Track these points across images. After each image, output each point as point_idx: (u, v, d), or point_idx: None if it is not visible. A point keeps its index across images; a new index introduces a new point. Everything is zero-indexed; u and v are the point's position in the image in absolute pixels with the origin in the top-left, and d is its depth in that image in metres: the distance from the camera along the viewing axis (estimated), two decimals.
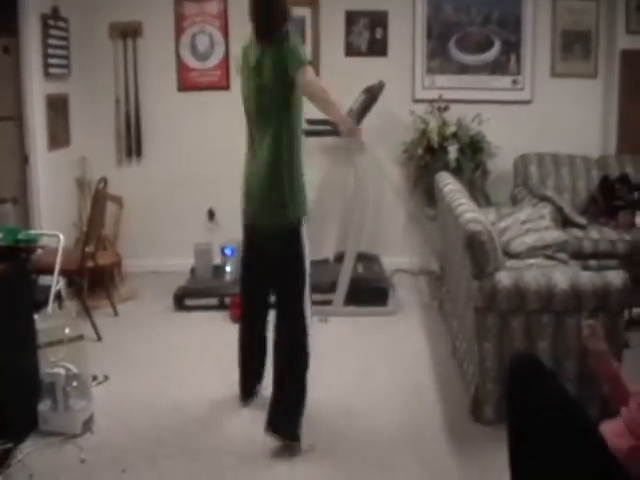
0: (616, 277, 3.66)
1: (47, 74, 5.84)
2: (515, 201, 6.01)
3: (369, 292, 5.58)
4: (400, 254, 6.54)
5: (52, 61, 5.91)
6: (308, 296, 3.63)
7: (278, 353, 3.69)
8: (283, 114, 3.49)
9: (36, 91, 5.67)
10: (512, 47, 6.45)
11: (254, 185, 3.63)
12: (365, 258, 6.08)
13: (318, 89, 3.53)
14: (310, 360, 3.64)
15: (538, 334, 3.67)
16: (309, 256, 3.62)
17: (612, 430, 2.59)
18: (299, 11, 6.28)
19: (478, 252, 3.69)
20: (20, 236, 3.92)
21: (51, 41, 5.88)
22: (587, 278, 3.67)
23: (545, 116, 6.44)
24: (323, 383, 4.22)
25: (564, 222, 5.50)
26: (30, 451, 3.54)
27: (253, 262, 3.83)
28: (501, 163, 6.27)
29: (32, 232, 4.52)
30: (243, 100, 3.67)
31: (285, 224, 3.56)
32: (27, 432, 3.70)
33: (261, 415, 3.70)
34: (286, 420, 3.60)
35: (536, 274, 3.72)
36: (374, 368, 4.56)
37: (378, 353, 4.80)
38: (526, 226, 4.93)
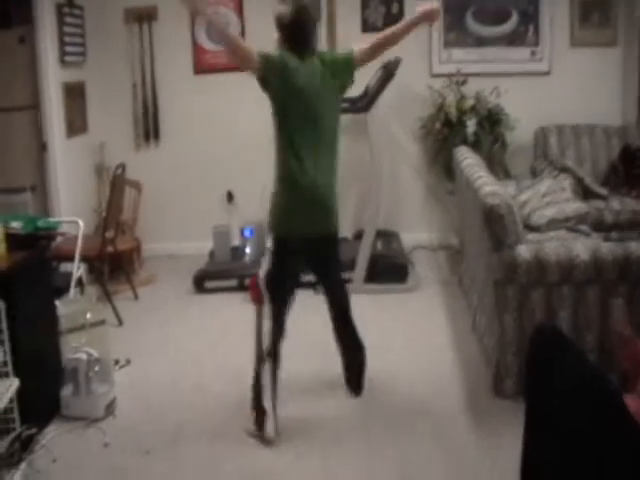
0: (637, 247, 3.61)
1: (63, 62, 5.87)
2: (535, 173, 5.94)
3: (388, 269, 5.56)
4: (419, 230, 6.51)
5: (68, 49, 5.94)
6: None
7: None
8: (338, 118, 3.65)
9: (53, 79, 5.71)
10: (530, 18, 6.34)
11: (319, 194, 3.55)
12: (384, 235, 6.06)
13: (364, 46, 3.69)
14: None
15: (559, 305, 3.64)
16: None
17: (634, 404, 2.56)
18: None
19: (497, 225, 3.66)
20: (39, 224, 3.95)
21: (67, 29, 5.90)
22: (608, 249, 3.63)
23: (564, 86, 6.35)
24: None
25: (585, 193, 5.44)
26: (53, 436, 3.58)
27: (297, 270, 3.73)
28: (520, 135, 6.18)
29: (51, 220, 4.54)
30: (290, 108, 3.51)
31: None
32: (50, 417, 3.74)
33: (282, 396, 3.72)
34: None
35: (556, 246, 3.68)
36: (394, 344, 4.56)
37: (398, 329, 4.81)
38: (546, 199, 4.89)
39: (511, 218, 3.68)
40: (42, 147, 5.69)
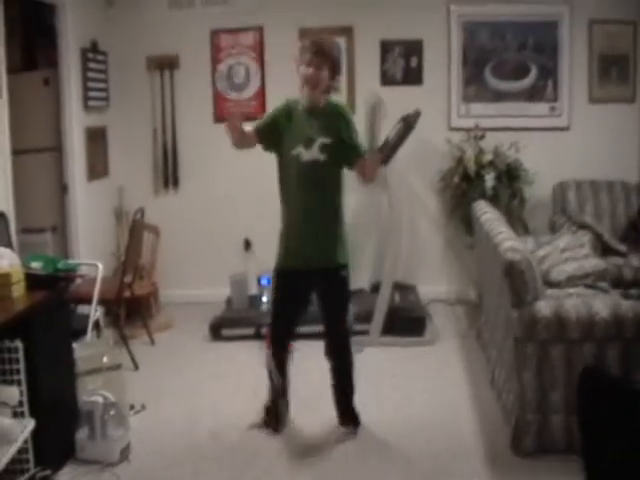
0: None
1: (87, 107, 5.94)
2: (554, 228, 5.94)
3: (406, 322, 5.52)
4: (437, 283, 6.47)
5: (91, 94, 6.02)
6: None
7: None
8: None
9: (76, 123, 5.78)
10: (549, 73, 6.39)
11: None
12: (401, 288, 6.02)
13: None
14: None
15: (579, 363, 3.57)
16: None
17: None
18: None
19: (517, 281, 3.65)
20: (60, 265, 3.97)
21: (90, 74, 5.99)
22: (628, 306, 3.61)
23: (583, 142, 6.37)
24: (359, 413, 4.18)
25: (604, 249, 5.40)
26: (67, 479, 3.55)
27: None
28: (539, 190, 6.18)
29: (71, 261, 4.56)
30: None
31: None
32: (65, 460, 3.72)
33: (297, 444, 3.77)
34: None
35: (576, 303, 3.66)
36: (411, 398, 4.50)
37: (415, 383, 4.74)
38: (565, 254, 4.87)
39: (531, 274, 3.68)
40: (63, 189, 5.74)
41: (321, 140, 3.74)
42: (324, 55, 3.71)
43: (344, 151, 3.82)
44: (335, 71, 3.79)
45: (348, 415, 4.07)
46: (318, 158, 3.74)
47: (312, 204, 3.81)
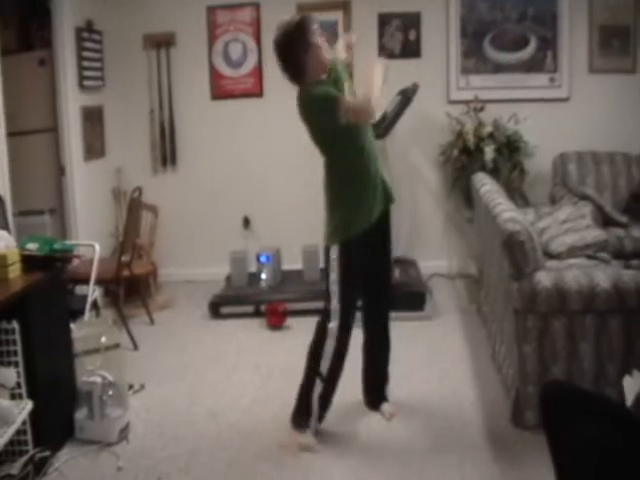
0: None
1: (82, 86, 5.91)
2: (554, 200, 5.89)
3: (406, 297, 5.44)
4: (437, 257, 6.43)
5: (87, 73, 5.98)
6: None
7: None
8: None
9: (71, 103, 5.75)
10: (548, 44, 6.31)
11: None
12: (401, 262, 5.99)
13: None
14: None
15: (580, 335, 3.56)
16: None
17: None
18: (331, 14, 6.24)
19: (517, 252, 3.60)
20: (56, 246, 3.94)
21: (85, 54, 5.94)
22: (630, 277, 3.56)
23: (584, 113, 6.29)
24: (359, 387, 4.16)
25: (605, 221, 5.35)
26: (67, 459, 3.56)
27: None
28: (539, 162, 6.12)
29: (68, 242, 4.54)
30: None
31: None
32: (64, 440, 3.72)
33: None
34: None
35: (577, 274, 3.61)
36: (411, 372, 4.48)
37: (416, 357, 4.72)
38: (566, 225, 4.83)
39: (531, 245, 3.63)
40: (60, 170, 5.71)
41: None
42: None
43: None
44: None
45: (379, 400, 4.00)
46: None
47: (377, 168, 3.71)
